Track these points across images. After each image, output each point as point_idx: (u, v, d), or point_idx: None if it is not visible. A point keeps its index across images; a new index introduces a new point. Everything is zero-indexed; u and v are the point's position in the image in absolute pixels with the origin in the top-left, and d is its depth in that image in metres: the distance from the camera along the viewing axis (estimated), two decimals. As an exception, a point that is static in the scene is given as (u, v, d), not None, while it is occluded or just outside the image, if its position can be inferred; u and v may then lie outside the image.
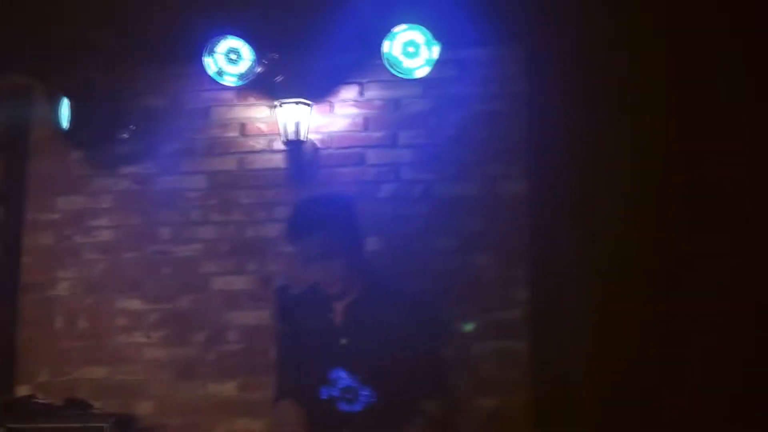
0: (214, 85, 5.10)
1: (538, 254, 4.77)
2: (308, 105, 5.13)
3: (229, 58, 5.00)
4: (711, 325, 4.31)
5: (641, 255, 4.44)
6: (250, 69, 5.01)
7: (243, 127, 5.33)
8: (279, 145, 5.23)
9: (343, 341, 3.49)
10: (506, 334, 4.90)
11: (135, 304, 5.26)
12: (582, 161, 4.65)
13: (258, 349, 5.10)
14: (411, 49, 4.87)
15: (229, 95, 5.33)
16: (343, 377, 3.45)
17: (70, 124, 5.20)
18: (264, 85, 5.17)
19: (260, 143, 5.30)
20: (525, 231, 4.90)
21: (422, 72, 4.90)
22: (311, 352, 3.51)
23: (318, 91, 5.19)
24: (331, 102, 5.24)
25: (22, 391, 5.10)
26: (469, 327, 4.75)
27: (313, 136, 5.20)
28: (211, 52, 4.99)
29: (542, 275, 4.73)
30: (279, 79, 5.12)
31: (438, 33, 4.84)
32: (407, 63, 4.88)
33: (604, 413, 4.40)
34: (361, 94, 5.24)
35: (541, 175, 4.83)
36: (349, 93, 5.24)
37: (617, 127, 4.58)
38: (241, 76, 5.03)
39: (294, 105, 5.11)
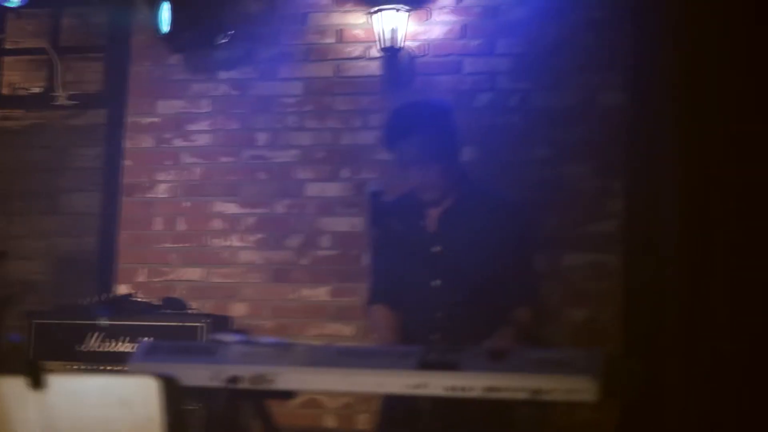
0: (311, -10, 5.09)
1: (634, 166, 4.69)
2: (406, 11, 5.08)
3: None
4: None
5: (736, 170, 4.35)
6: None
7: (340, 34, 5.31)
8: (375, 52, 5.20)
9: (436, 248, 3.50)
10: (600, 246, 4.86)
11: (231, 208, 5.34)
12: (684, 73, 4.53)
13: (350, 255, 5.15)
14: (511, -45, 4.76)
15: (326, 1, 5.31)
16: (435, 284, 3.46)
17: (170, 28, 5.24)
18: (361, -9, 5.16)
19: (357, 50, 5.28)
20: (622, 143, 4.81)
21: (522, -22, 4.81)
22: (404, 259, 3.53)
23: (416, -3, 5.14)
24: (429, 8, 5.18)
25: (122, 289, 5.25)
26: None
27: (409, 44, 5.16)
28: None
29: (638, 188, 4.66)
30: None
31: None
32: (507, -32, 4.79)
33: (693, 330, 4.36)
34: (459, 0, 5.17)
35: (641, 86, 4.73)
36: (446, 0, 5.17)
37: (724, 37, 4.45)
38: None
39: (391, 11, 5.06)
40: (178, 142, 5.45)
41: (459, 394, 2.89)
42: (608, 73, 4.94)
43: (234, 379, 3.11)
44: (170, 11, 5.22)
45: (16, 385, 2.13)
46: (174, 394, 2.13)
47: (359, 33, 5.28)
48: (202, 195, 5.38)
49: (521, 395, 2.83)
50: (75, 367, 4.70)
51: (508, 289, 3.46)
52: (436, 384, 2.91)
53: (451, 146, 3.49)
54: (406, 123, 3.46)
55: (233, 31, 5.33)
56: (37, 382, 2.13)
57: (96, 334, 4.75)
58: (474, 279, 3.43)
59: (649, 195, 4.59)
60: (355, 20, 5.28)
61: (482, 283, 3.43)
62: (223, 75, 5.42)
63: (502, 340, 3.27)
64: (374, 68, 5.24)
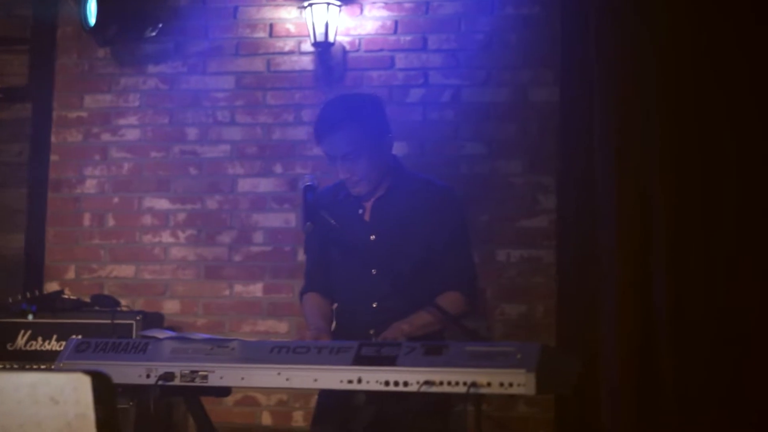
0: (242, -17, 5.04)
1: (567, 162, 4.72)
2: (338, 6, 5.06)
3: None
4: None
5: (670, 163, 4.40)
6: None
7: (271, 28, 5.27)
8: (307, 47, 5.18)
9: (372, 237, 3.49)
10: (533, 241, 4.89)
11: (162, 203, 5.27)
12: (614, 68, 4.57)
13: (284, 251, 5.13)
14: (444, -50, 4.77)
15: (257, -6, 5.27)
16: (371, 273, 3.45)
17: (97, 20, 5.15)
18: (293, -15, 5.13)
19: (288, 44, 5.24)
20: (554, 138, 4.85)
21: (454, -26, 4.81)
22: (341, 251, 3.51)
23: (348, -9, 5.12)
24: (361, 3, 5.17)
25: (51, 287, 5.15)
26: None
27: (342, 39, 5.14)
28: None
29: (571, 183, 4.69)
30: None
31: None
32: (439, -36, 4.79)
33: (627, 324, 4.40)
34: (391, -5, 5.16)
35: (573, 81, 4.76)
36: (379, -6, 5.17)
37: (650, 31, 4.50)
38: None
39: (323, 6, 5.04)
40: (107, 137, 5.36)
41: (396, 388, 2.88)
42: (540, 69, 4.97)
43: (167, 376, 3.07)
44: (97, 3, 5.14)
45: (-58, 384, 2.07)
46: (106, 391, 2.08)
47: (291, 27, 5.24)
48: (131, 191, 5.31)
49: (458, 389, 2.83)
50: (3, 366, 4.60)
51: (441, 274, 3.45)
52: (373, 379, 2.90)
53: (378, 140, 3.47)
54: (332, 118, 3.44)
55: (162, 25, 5.26)
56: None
57: (25, 333, 4.66)
58: (406, 266, 3.42)
59: (582, 190, 4.63)
60: (287, 14, 5.25)
61: (415, 270, 3.43)
62: (152, 69, 5.35)
63: (394, 332, 3.26)
64: (306, 63, 5.21)
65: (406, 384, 2.87)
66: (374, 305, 3.45)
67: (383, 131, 3.49)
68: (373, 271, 3.46)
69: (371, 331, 3.40)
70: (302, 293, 3.66)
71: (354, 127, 3.40)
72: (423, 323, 3.35)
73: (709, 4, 4.40)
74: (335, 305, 3.60)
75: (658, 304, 4.29)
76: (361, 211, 3.53)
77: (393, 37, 5.16)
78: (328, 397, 3.45)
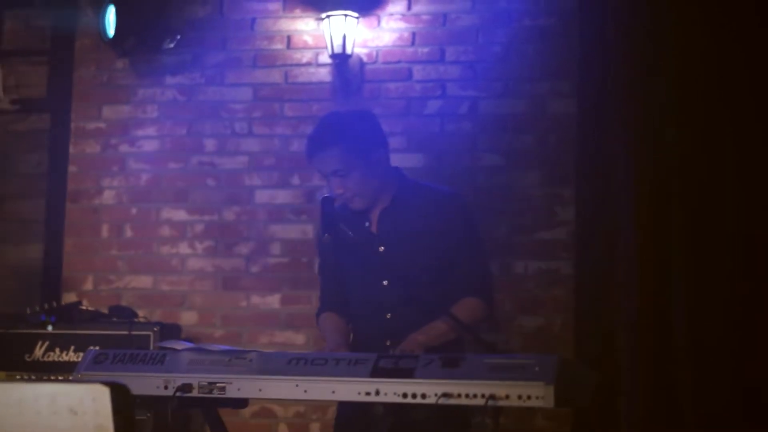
0: (260, -6, 5.06)
1: (585, 173, 4.72)
2: (355, 18, 5.06)
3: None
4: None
5: (688, 173, 4.39)
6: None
7: (289, 40, 5.28)
8: (325, 58, 5.18)
9: (381, 248, 3.49)
10: (551, 253, 4.88)
11: (179, 214, 5.28)
12: (630, 79, 4.57)
13: (301, 262, 5.12)
14: (461, -38, 4.77)
15: (274, 6, 5.28)
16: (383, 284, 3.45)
17: (116, 32, 5.17)
18: (311, -4, 5.14)
19: (306, 56, 5.25)
20: (572, 150, 4.84)
21: (472, -15, 4.81)
22: (357, 263, 3.52)
23: (365, 3, 5.13)
24: (378, 15, 5.17)
25: (69, 297, 5.16)
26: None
27: (359, 51, 5.14)
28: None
29: (589, 195, 4.68)
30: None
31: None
32: (457, -24, 4.79)
33: (647, 336, 4.38)
34: (408, 7, 5.16)
35: (590, 93, 4.76)
36: (396, 6, 5.17)
37: (664, 43, 4.49)
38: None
39: (341, 17, 5.04)
40: (125, 148, 5.38)
41: (414, 401, 2.87)
42: (557, 81, 4.96)
43: (184, 388, 3.07)
44: (116, 15, 5.16)
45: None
46: (125, 402, 2.08)
47: (308, 39, 5.25)
48: (149, 201, 5.32)
49: (476, 402, 2.82)
50: (21, 377, 4.61)
51: (456, 281, 3.44)
52: (391, 391, 2.90)
53: (369, 155, 3.46)
54: (320, 137, 3.48)
55: (180, 36, 5.28)
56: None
57: (42, 344, 4.67)
58: (417, 275, 3.42)
59: (600, 202, 4.62)
60: (305, 26, 5.26)
61: (426, 278, 3.42)
62: (170, 80, 5.36)
63: (410, 344, 3.26)
64: (324, 75, 5.22)
65: (424, 396, 2.87)
66: (388, 316, 3.45)
67: (374, 146, 3.49)
68: (385, 282, 3.45)
69: (387, 342, 3.39)
70: (318, 314, 3.65)
71: (342, 144, 3.42)
72: (438, 333, 3.34)
73: (721, 18, 4.40)
74: (350, 324, 3.59)
75: (677, 313, 4.27)
76: (367, 224, 3.53)
77: (410, 49, 5.16)
78: (346, 409, 3.44)
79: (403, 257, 3.45)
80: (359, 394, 2.93)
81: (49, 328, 4.67)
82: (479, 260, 3.53)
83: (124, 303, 5.10)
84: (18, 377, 4.61)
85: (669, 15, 4.49)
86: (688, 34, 4.43)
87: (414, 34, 5.17)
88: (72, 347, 4.66)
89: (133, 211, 5.33)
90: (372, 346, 3.34)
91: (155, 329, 4.62)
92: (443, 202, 3.53)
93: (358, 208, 3.50)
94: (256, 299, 5.17)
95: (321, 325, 3.61)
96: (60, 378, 4.50)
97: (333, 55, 5.11)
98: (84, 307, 4.83)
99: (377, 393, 2.90)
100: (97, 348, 3.32)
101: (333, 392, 2.98)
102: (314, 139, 3.49)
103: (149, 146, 5.36)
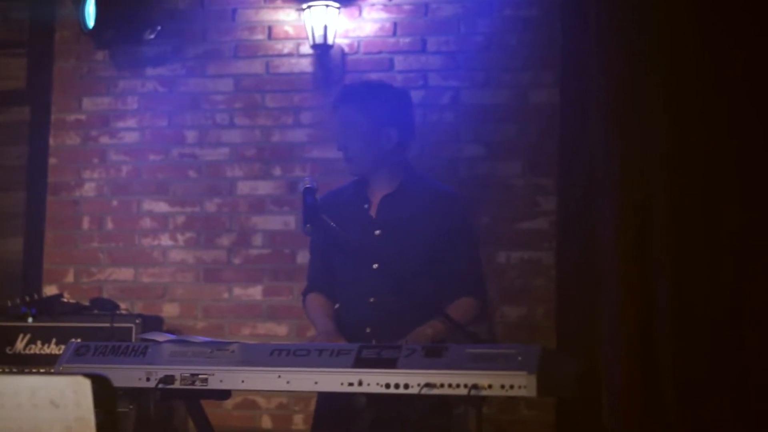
0: (240, -15, 5.04)
1: (567, 164, 4.72)
2: (336, 8, 5.05)
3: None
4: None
5: (672, 163, 4.39)
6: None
7: (270, 30, 5.26)
8: (306, 49, 5.17)
9: (377, 232, 3.53)
10: (533, 243, 4.88)
11: (161, 206, 5.26)
12: (614, 69, 4.57)
13: (283, 253, 5.12)
14: (443, -48, 4.76)
15: (255, -4, 5.26)
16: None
17: (95, 23, 5.14)
18: (292, -13, 5.12)
19: (287, 47, 5.23)
20: (555, 140, 4.84)
21: (453, -25, 4.80)
22: (341, 252, 3.52)
23: (347, -7, 5.12)
24: (359, 5, 5.16)
25: (50, 290, 5.14)
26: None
27: (340, 41, 5.13)
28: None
29: (571, 185, 4.68)
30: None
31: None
32: (438, -34, 4.78)
33: (629, 325, 4.39)
34: (390, -3, 5.15)
35: (573, 83, 4.76)
36: (378, -4, 5.16)
37: (649, 34, 4.49)
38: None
39: (322, 7, 5.03)
40: (105, 140, 5.35)
41: (396, 391, 2.88)
42: (540, 71, 4.96)
43: (166, 380, 3.07)
44: (95, 6, 5.13)
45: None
46: (106, 395, 2.08)
47: (290, 30, 5.23)
48: (130, 193, 5.30)
49: (459, 391, 2.83)
50: (2, 369, 4.59)
51: (451, 280, 3.47)
52: (373, 381, 2.90)
53: (380, 126, 3.54)
54: (348, 90, 3.68)
55: (161, 27, 5.25)
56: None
57: (24, 336, 4.65)
58: (408, 264, 3.44)
59: (582, 192, 4.62)
60: (286, 17, 5.24)
61: (417, 269, 3.45)
62: (151, 71, 5.34)
63: (419, 337, 3.26)
64: (305, 65, 5.20)
65: (406, 386, 2.88)
66: (371, 300, 3.47)
67: (391, 123, 3.56)
68: (375, 266, 3.48)
69: (367, 329, 3.40)
70: (305, 294, 3.68)
71: (360, 104, 3.55)
72: (443, 329, 3.36)
73: (708, 8, 4.40)
74: (336, 305, 3.60)
75: (659, 303, 4.28)
76: (366, 206, 3.58)
77: (392, 39, 5.15)
78: (327, 400, 3.44)
79: (398, 243, 3.50)
80: (342, 384, 2.94)
81: (30, 320, 4.66)
82: (474, 260, 3.60)
83: (105, 295, 5.09)
84: (1, 370, 4.58)
85: (654, 3, 4.49)
86: (673, 23, 4.43)
87: (395, 24, 5.16)
88: (53, 340, 4.64)
89: (114, 203, 5.31)
90: (351, 332, 3.35)
91: (137, 321, 4.62)
92: (445, 198, 3.61)
93: (350, 171, 3.61)
94: (238, 291, 5.16)
95: (308, 306, 3.64)
96: (41, 371, 4.48)
97: (314, 46, 5.09)
98: (65, 300, 4.82)
99: (360, 383, 2.91)
100: (79, 340, 3.31)
101: (315, 383, 2.99)
102: (340, 93, 3.66)
103: (130, 138, 5.33)
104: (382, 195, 3.57)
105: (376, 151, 3.55)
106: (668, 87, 4.41)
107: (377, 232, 3.53)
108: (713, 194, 4.33)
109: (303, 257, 4.91)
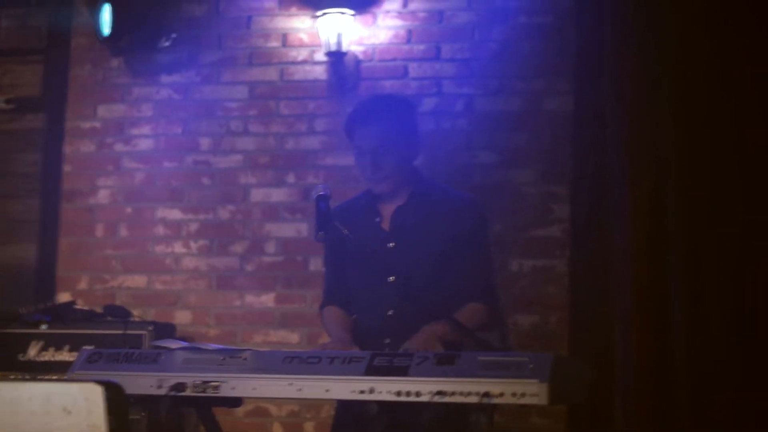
0: (255, -8, 5.06)
1: (580, 171, 4.71)
2: (351, 15, 5.05)
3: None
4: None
5: (685, 170, 4.38)
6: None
7: (284, 38, 5.27)
8: (321, 56, 5.18)
9: (391, 244, 3.52)
10: (547, 251, 4.87)
11: (174, 213, 5.27)
12: (627, 76, 4.56)
13: (296, 261, 5.12)
14: (456, -41, 4.77)
15: (270, 4, 5.28)
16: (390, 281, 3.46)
17: (111, 31, 5.16)
18: (306, -6, 5.14)
19: (302, 54, 5.24)
20: (568, 147, 4.84)
21: (467, -17, 4.81)
22: (355, 260, 3.52)
23: (361, 1, 5.12)
24: (374, 13, 5.16)
25: (63, 297, 5.16)
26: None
27: (355, 48, 5.14)
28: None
29: (584, 192, 4.68)
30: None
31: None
32: (452, -27, 4.79)
33: (641, 334, 4.38)
34: (404, 5, 5.16)
35: (586, 91, 4.75)
36: (392, 4, 5.16)
37: (662, 41, 4.48)
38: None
39: (336, 15, 5.03)
40: (120, 147, 5.37)
41: (408, 399, 2.87)
42: (553, 78, 4.96)
43: (178, 387, 3.07)
44: (111, 14, 5.15)
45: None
46: (118, 401, 2.08)
47: (304, 37, 5.24)
48: (144, 201, 5.31)
49: (470, 399, 2.82)
50: (15, 376, 4.60)
51: (461, 286, 3.46)
52: (385, 389, 2.90)
53: (407, 140, 3.54)
54: (366, 111, 3.56)
55: (176, 35, 5.28)
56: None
57: (37, 343, 4.67)
58: (424, 274, 3.43)
59: (595, 199, 4.61)
60: (300, 24, 5.25)
61: (432, 279, 3.44)
62: (166, 79, 5.35)
63: (416, 342, 3.26)
64: (319, 72, 5.21)
65: (418, 394, 2.87)
66: (389, 313, 3.46)
67: (412, 133, 3.57)
68: (390, 279, 3.47)
69: (386, 340, 3.39)
70: (321, 307, 3.67)
71: (386, 121, 3.51)
72: (447, 329, 3.33)
73: (720, 15, 4.39)
74: (354, 316, 3.60)
75: (673, 310, 4.27)
76: (378, 219, 3.56)
77: (406, 47, 5.15)
78: (345, 408, 3.44)
79: (413, 255, 3.48)
80: (353, 392, 2.93)
81: (44, 327, 4.67)
82: (487, 266, 3.59)
83: (118, 302, 5.09)
84: (12, 377, 4.59)
85: (667, 11, 4.48)
86: (686, 31, 4.42)
87: (410, 32, 5.16)
88: (66, 347, 4.65)
89: (128, 210, 5.32)
90: (370, 344, 3.34)
91: (149, 328, 4.62)
92: (460, 206, 3.58)
93: (383, 191, 3.54)
94: (250, 298, 5.16)
95: (325, 319, 3.63)
96: (54, 378, 4.49)
97: (329, 53, 5.10)
98: (78, 307, 4.84)
99: (371, 391, 2.91)
100: (92, 347, 3.31)
101: (327, 391, 2.99)
102: (359, 113, 3.57)
103: (144, 145, 5.35)
104: (394, 207, 3.55)
105: (408, 167, 3.55)
106: (681, 94, 4.40)
107: (391, 244, 3.51)
108: (726, 199, 4.32)
109: (316, 265, 4.92)
